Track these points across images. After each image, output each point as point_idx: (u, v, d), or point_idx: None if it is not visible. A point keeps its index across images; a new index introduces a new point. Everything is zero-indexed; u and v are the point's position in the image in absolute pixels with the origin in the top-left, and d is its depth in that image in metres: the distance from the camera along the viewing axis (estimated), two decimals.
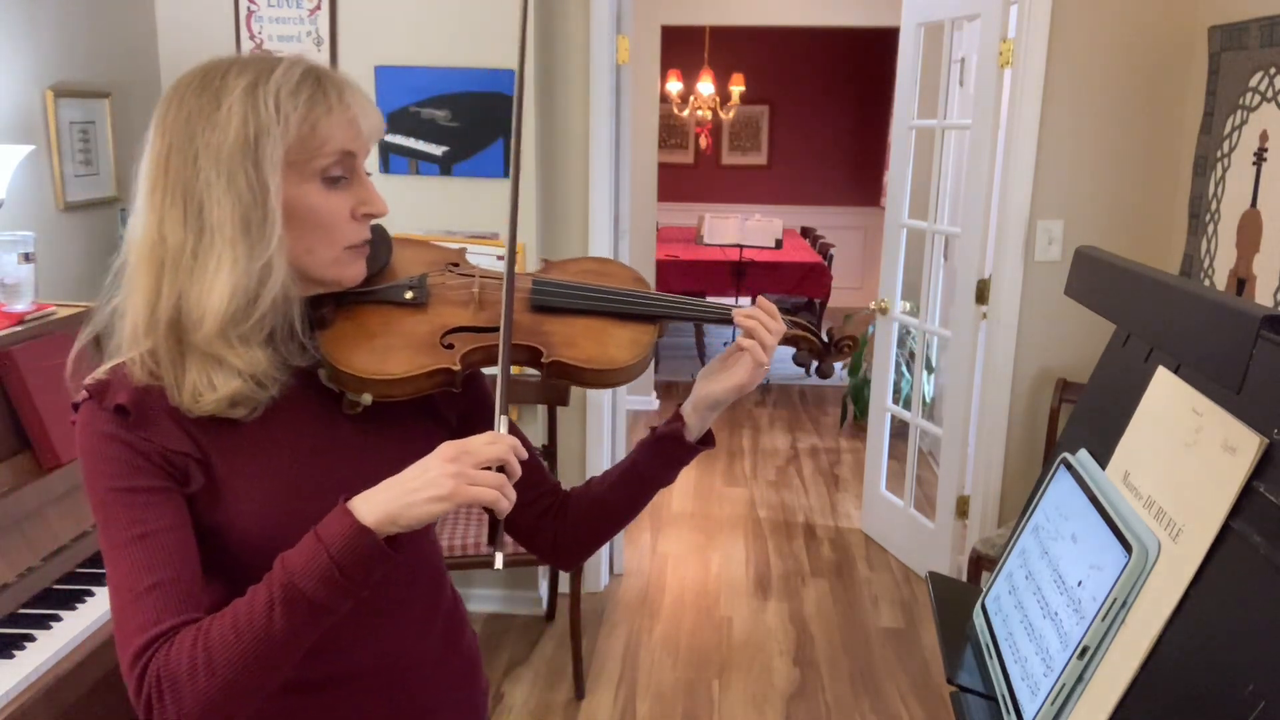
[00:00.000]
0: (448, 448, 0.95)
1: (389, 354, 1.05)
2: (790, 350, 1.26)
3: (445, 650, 1.21)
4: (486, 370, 1.14)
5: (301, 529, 0.95)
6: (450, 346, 1.08)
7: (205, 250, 0.98)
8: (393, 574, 0.97)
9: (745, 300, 7.56)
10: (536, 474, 1.24)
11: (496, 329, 1.07)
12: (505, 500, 0.94)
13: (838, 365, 1.33)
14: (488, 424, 1.08)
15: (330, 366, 1.05)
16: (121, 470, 0.98)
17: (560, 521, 1.25)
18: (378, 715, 1.14)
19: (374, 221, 1.09)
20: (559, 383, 1.14)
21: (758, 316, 1.15)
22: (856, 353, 1.42)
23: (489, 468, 0.95)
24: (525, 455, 0.99)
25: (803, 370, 7.09)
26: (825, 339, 1.26)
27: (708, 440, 1.23)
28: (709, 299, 1.22)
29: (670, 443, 1.20)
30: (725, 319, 1.19)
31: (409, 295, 1.11)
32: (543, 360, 1.10)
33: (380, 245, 1.12)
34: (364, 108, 1.04)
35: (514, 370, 1.07)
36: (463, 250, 1.23)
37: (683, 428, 1.20)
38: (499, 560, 0.97)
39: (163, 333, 0.99)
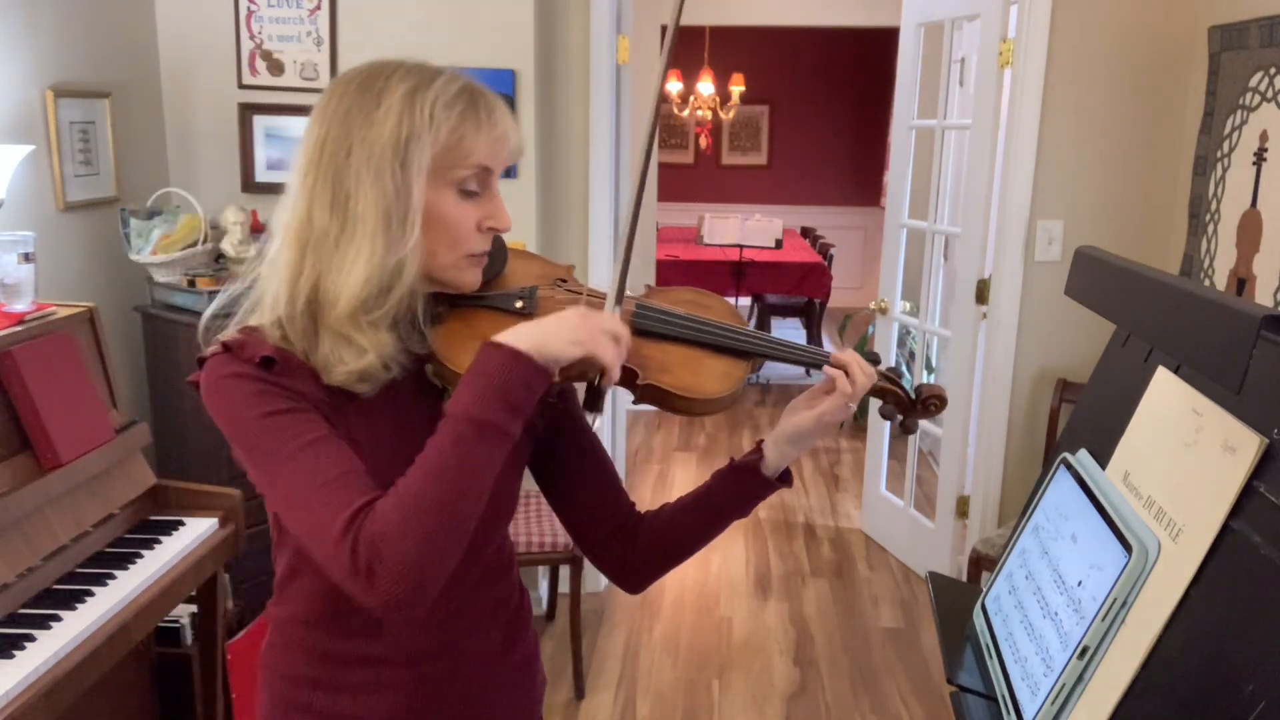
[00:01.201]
0: (574, 310, 1.04)
1: None
2: (866, 401, 1.26)
3: (508, 642, 1.24)
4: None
5: None
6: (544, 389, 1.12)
7: (347, 239, 1.04)
8: (462, 565, 1.01)
9: (745, 300, 7.57)
10: (613, 491, 1.28)
11: None
12: (619, 368, 1.04)
13: (922, 422, 1.31)
14: (572, 437, 1.22)
15: (438, 362, 1.10)
16: (274, 399, 1.02)
17: (630, 543, 1.27)
18: (439, 697, 1.18)
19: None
20: (648, 404, 1.16)
21: (850, 357, 1.19)
22: (942, 410, 1.44)
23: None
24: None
25: (803, 372, 7.09)
26: (913, 395, 1.25)
27: (785, 479, 1.24)
28: (803, 344, 1.24)
29: (746, 474, 1.21)
30: (818, 362, 1.20)
31: (519, 305, 1.16)
32: (638, 382, 1.14)
33: (497, 254, 1.17)
34: (509, 130, 1.10)
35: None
36: (571, 267, 1.28)
37: (760, 461, 1.21)
38: (596, 420, 1.05)
39: (300, 307, 1.05)
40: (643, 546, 1.26)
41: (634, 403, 1.18)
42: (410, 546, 0.93)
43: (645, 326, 1.18)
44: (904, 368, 4.71)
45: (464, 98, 1.06)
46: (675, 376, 1.15)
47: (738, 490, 1.22)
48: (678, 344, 1.18)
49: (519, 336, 1.00)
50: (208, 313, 1.14)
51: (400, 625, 1.13)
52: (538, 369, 0.99)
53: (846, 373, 1.16)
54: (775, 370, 7.08)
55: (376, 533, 0.93)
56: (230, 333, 1.08)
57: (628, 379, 1.15)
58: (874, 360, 1.22)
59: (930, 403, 1.24)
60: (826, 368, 1.18)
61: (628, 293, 1.22)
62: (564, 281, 1.23)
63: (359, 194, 1.03)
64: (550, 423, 1.24)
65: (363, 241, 1.03)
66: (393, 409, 1.11)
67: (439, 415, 1.11)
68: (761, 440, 1.23)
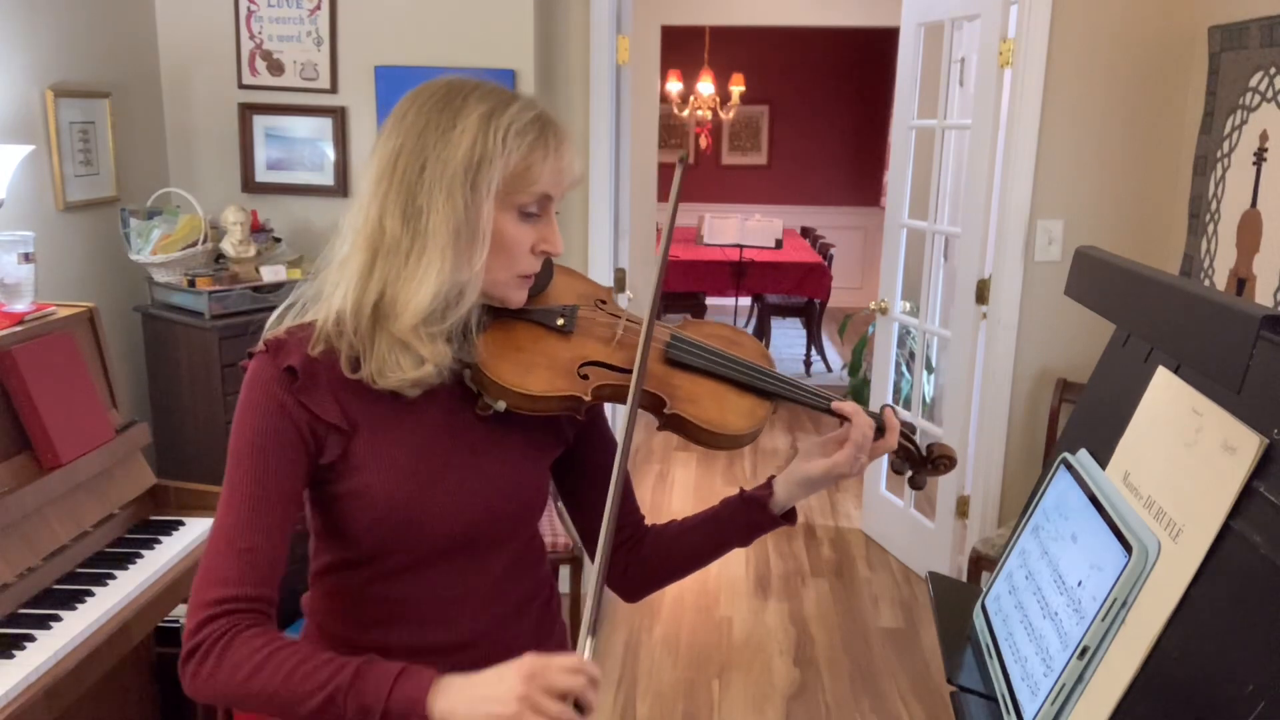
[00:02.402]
0: (528, 664, 0.95)
1: (531, 371, 1.13)
2: (877, 446, 1.26)
3: (538, 634, 1.27)
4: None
5: (419, 507, 1.05)
6: (585, 377, 1.15)
7: (418, 253, 1.07)
8: (497, 561, 1.06)
9: (745, 300, 7.57)
10: (628, 502, 1.31)
11: (629, 370, 1.14)
12: None
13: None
14: (596, 448, 1.23)
15: (477, 369, 1.12)
16: (268, 428, 1.07)
17: (633, 554, 1.30)
18: None
19: None
20: (671, 432, 1.19)
21: (890, 417, 1.21)
22: (952, 469, 1.47)
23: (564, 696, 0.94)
24: (596, 694, 0.96)
25: (804, 369, 7.09)
26: (924, 453, 1.28)
27: (790, 517, 1.28)
28: (828, 393, 1.27)
29: (754, 507, 1.26)
30: (841, 418, 1.22)
31: (560, 322, 1.19)
32: (664, 410, 1.16)
33: (543, 269, 1.19)
34: (573, 161, 1.13)
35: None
36: (611, 289, 1.31)
37: (769, 497, 1.25)
38: None
39: (367, 311, 1.08)
40: (645, 558, 1.30)
41: (659, 428, 1.20)
42: (223, 687, 1.00)
43: (677, 358, 1.21)
44: (904, 368, 4.71)
45: (536, 126, 1.09)
46: (701, 409, 1.18)
47: (744, 520, 1.27)
48: (706, 377, 1.21)
49: (448, 698, 0.95)
50: (275, 314, 1.17)
51: (443, 618, 1.16)
52: None
53: (881, 430, 1.20)
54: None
55: (221, 647, 1.00)
56: (279, 330, 1.12)
57: (655, 406, 1.17)
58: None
59: (940, 462, 1.27)
60: (847, 428, 1.20)
61: (659, 322, 1.24)
62: (604, 303, 1.26)
63: (431, 210, 1.06)
64: (578, 433, 1.27)
65: (433, 257, 1.06)
66: (427, 411, 1.13)
67: (470, 418, 1.15)
68: (773, 476, 1.26)
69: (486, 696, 0.94)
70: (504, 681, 0.94)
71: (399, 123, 1.09)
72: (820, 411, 1.24)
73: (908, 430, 1.27)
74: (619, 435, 1.09)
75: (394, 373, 1.08)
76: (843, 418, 1.21)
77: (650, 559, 1.30)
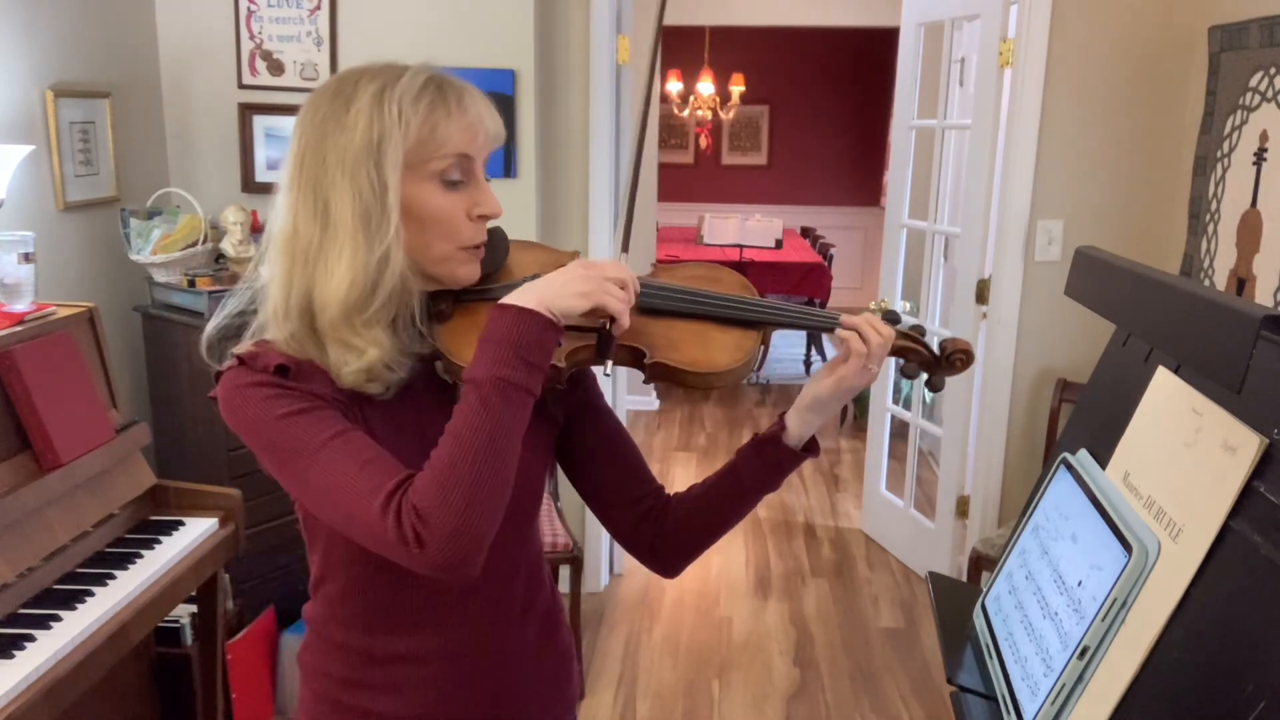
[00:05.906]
0: (582, 263, 1.06)
1: None
2: (884, 361, 1.21)
3: (541, 642, 1.25)
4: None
5: None
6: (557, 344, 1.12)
7: (329, 242, 1.06)
8: (493, 560, 1.02)
9: None
10: (639, 474, 1.29)
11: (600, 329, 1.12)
12: (628, 315, 1.05)
13: (949, 379, 1.23)
14: (594, 423, 1.22)
15: (444, 359, 1.11)
16: (293, 401, 1.04)
17: (659, 526, 1.27)
18: (476, 692, 1.19)
19: (492, 224, 1.15)
20: (660, 383, 1.16)
21: (862, 319, 1.16)
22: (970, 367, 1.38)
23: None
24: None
25: (804, 370, 7.09)
26: (937, 352, 1.22)
27: (811, 448, 1.22)
28: (815, 308, 1.21)
29: (770, 447, 1.20)
30: (830, 326, 1.17)
31: None
32: (645, 361, 1.14)
33: (498, 246, 1.18)
34: (483, 115, 1.10)
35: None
36: (577, 253, 1.26)
37: (782, 431, 1.20)
38: (609, 365, 1.07)
39: (296, 317, 1.07)
40: (671, 529, 1.26)
41: (644, 382, 1.17)
42: (451, 512, 0.95)
43: (650, 304, 1.17)
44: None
45: (430, 90, 1.07)
46: (682, 353, 1.14)
47: (762, 463, 1.21)
48: (684, 320, 1.18)
49: (525, 296, 1.01)
50: (209, 329, 1.16)
51: (442, 622, 1.15)
52: (547, 323, 1.00)
53: (860, 334, 1.14)
54: (776, 370, 7.09)
55: (417, 504, 0.96)
56: (244, 346, 1.10)
57: (635, 359, 1.14)
58: (892, 319, 1.20)
59: (955, 358, 1.20)
60: (840, 331, 1.15)
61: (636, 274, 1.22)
62: None
63: (336, 198, 1.05)
64: (569, 410, 1.25)
65: (344, 243, 1.05)
66: (411, 409, 1.12)
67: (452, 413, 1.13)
68: (784, 413, 1.21)
69: (564, 283, 1.02)
70: (571, 274, 1.03)
71: (300, 125, 1.09)
72: (812, 329, 1.19)
73: (916, 332, 1.21)
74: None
75: (344, 370, 1.06)
76: (848, 328, 1.15)
77: (679, 529, 1.26)
